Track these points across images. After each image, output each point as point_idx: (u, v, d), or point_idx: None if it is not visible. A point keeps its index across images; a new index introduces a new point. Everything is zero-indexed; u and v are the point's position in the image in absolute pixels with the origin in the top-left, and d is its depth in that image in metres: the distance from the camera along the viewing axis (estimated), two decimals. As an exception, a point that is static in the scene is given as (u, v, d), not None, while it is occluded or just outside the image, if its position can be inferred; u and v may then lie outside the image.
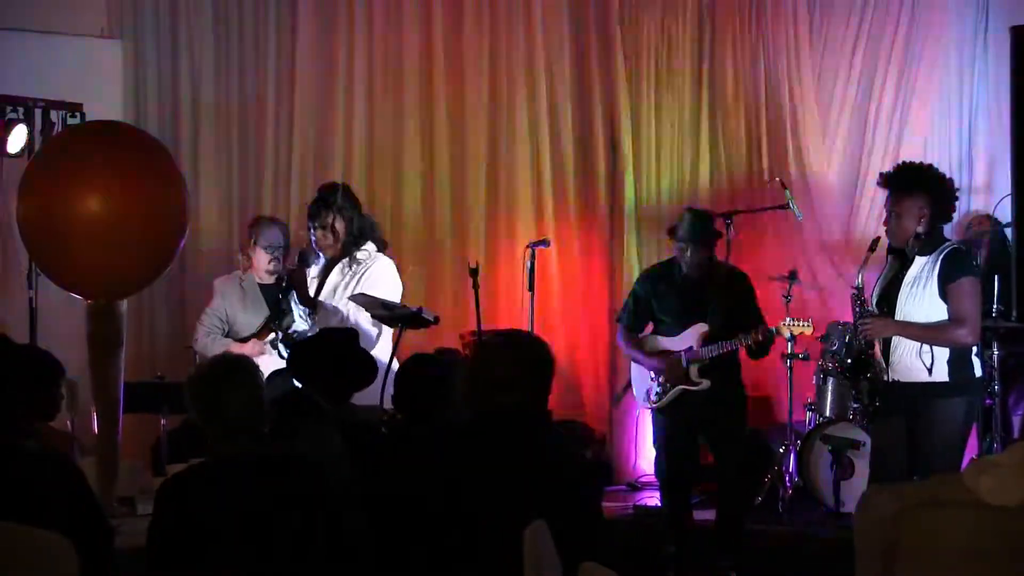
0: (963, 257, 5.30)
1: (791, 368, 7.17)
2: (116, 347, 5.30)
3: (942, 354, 5.21)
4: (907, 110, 8.10)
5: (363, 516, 4.00)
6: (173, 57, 8.56)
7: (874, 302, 5.38)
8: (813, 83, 8.27)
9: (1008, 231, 7.09)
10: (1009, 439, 6.46)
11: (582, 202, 8.65)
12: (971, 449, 6.93)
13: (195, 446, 5.95)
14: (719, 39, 8.44)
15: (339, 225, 6.38)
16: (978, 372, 5.36)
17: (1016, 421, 6.73)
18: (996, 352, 6.62)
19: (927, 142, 8.06)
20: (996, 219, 7.40)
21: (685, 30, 8.52)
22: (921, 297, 5.25)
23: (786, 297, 7.29)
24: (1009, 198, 6.34)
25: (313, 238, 6.49)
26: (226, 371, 3.87)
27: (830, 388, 7.27)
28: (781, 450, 7.21)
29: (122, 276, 5.21)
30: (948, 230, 7.61)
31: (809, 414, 7.39)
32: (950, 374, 5.22)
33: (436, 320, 6.27)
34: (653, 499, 7.36)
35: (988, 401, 6.73)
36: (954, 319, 5.19)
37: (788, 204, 7.15)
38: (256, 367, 3.97)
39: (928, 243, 5.28)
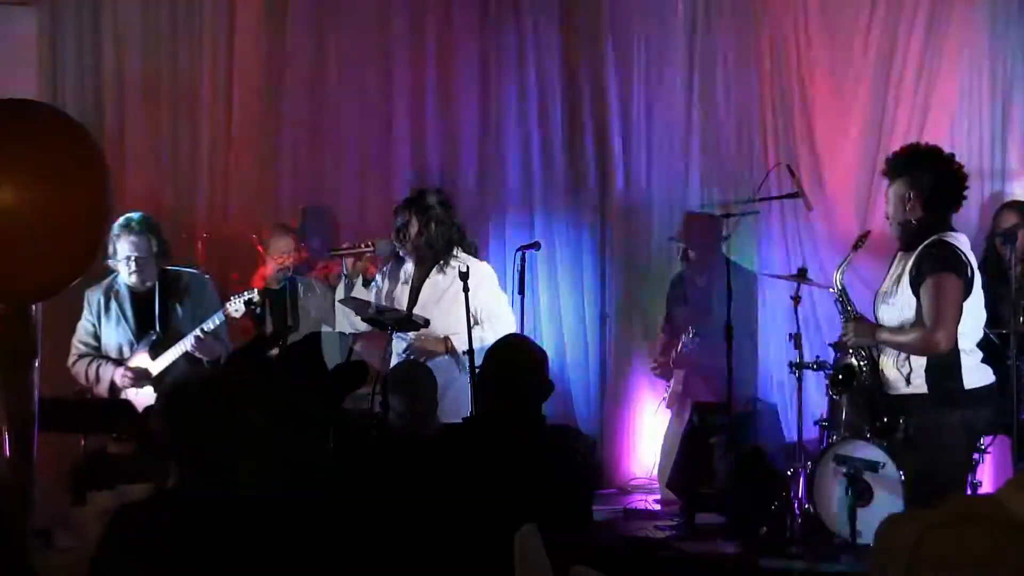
0: (945, 251, 5.16)
1: (800, 379, 7.06)
2: (29, 358, 5.30)
3: (919, 363, 5.20)
4: (932, 82, 8.08)
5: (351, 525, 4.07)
6: (94, 25, 8.44)
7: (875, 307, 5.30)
8: (825, 53, 8.26)
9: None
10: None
11: (572, 205, 8.79)
12: (1004, 467, 6.98)
13: (120, 470, 5.96)
14: (715, 7, 8.47)
15: (413, 227, 6.83)
16: (974, 382, 5.27)
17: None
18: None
19: (954, 120, 8.07)
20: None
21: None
22: (892, 302, 5.23)
23: (794, 298, 7.20)
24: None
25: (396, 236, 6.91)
26: (214, 398, 3.61)
27: (845, 402, 7.03)
28: (789, 473, 7.06)
29: (36, 277, 5.20)
30: (973, 218, 7.42)
31: (821, 431, 7.35)
32: (930, 385, 5.22)
33: (427, 323, 6.65)
34: (643, 502, 7.80)
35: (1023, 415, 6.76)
36: (926, 322, 5.11)
37: (798, 192, 7.18)
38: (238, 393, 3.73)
39: (917, 234, 5.19)
